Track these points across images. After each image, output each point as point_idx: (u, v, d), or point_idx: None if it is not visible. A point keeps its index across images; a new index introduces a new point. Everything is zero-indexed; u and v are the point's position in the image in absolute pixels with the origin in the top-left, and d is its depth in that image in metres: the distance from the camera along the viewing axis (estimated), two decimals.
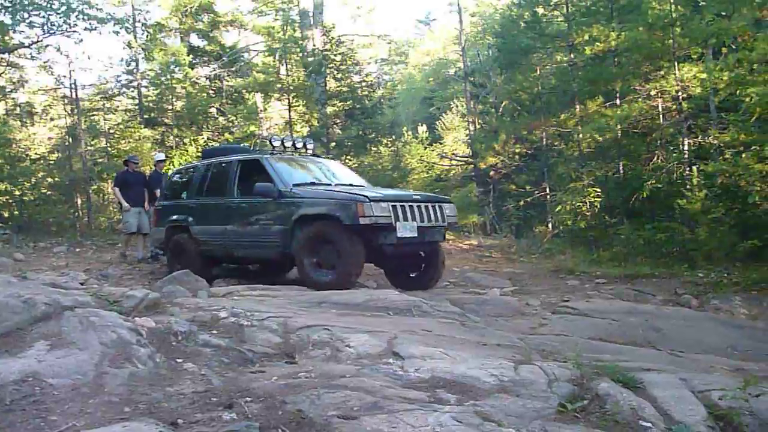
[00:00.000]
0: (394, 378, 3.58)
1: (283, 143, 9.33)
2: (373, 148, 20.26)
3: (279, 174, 8.41)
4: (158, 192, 11.25)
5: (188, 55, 20.03)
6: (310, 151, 9.69)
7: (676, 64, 12.20)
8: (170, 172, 11.15)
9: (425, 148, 26.11)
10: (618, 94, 14.41)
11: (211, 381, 3.38)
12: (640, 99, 13.11)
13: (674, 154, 12.61)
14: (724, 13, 11.40)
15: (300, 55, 19.28)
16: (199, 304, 5.09)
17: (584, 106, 14.59)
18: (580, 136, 14.44)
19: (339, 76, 19.87)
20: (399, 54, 42.75)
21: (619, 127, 13.24)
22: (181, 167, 11.27)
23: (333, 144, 18.95)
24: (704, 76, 11.36)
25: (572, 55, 15.91)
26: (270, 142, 9.34)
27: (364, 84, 20.80)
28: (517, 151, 18.20)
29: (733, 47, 11.71)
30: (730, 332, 7.32)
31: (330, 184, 8.59)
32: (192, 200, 9.44)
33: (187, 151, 17.50)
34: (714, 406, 3.36)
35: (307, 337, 4.33)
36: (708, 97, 12.89)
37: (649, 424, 3.20)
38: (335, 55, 19.39)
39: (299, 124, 20.04)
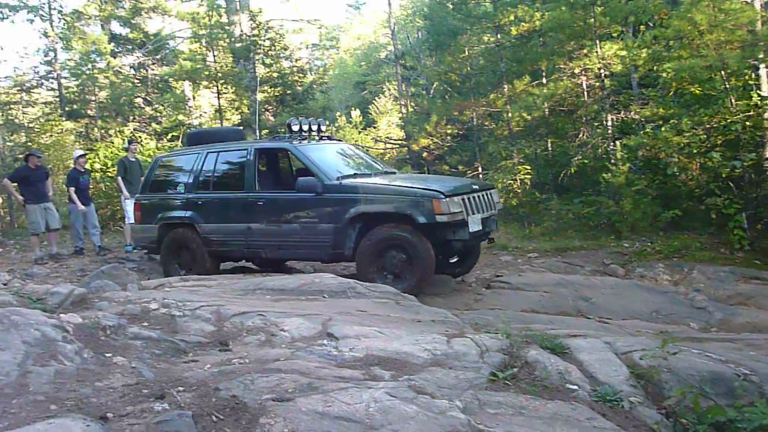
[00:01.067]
0: (329, 358, 3.60)
1: (301, 127, 8.23)
2: None
3: (318, 165, 7.52)
4: (72, 190, 10.78)
5: (110, 44, 19.28)
6: (323, 134, 8.67)
7: (597, 42, 12.54)
8: (153, 160, 9.50)
9: (359, 132, 26.08)
10: (544, 73, 14.72)
11: (142, 373, 3.32)
12: (565, 77, 13.42)
13: (599, 130, 13.00)
14: None
15: (227, 41, 18.87)
16: (128, 298, 4.97)
17: (512, 85, 14.83)
18: (509, 115, 14.70)
19: (268, 61, 19.56)
20: (330, 39, 42.44)
21: (546, 105, 13.54)
22: (165, 155, 9.50)
23: (265, 131, 18.70)
24: (624, 53, 11.73)
25: (499, 36, 16.14)
26: (289, 126, 8.23)
27: (294, 69, 20.56)
28: (448, 132, 18.37)
29: (650, 25, 12.13)
30: (654, 298, 7.67)
31: (372, 174, 7.85)
32: (196, 194, 8.31)
33: (113, 143, 16.93)
34: (636, 366, 3.53)
35: (240, 324, 4.30)
36: (629, 74, 13.34)
37: (575, 387, 3.34)
38: (263, 41, 19.09)
39: (229, 111, 19.68)
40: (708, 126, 9.75)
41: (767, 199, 9.00)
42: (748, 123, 9.48)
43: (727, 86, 9.75)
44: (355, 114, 27.16)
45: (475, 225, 6.98)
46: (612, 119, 12.73)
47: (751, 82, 9.75)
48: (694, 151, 9.54)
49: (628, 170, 10.73)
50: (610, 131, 12.49)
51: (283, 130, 18.15)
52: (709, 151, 9.46)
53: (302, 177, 7.44)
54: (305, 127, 8.26)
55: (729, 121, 9.52)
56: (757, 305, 7.47)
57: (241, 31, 19.16)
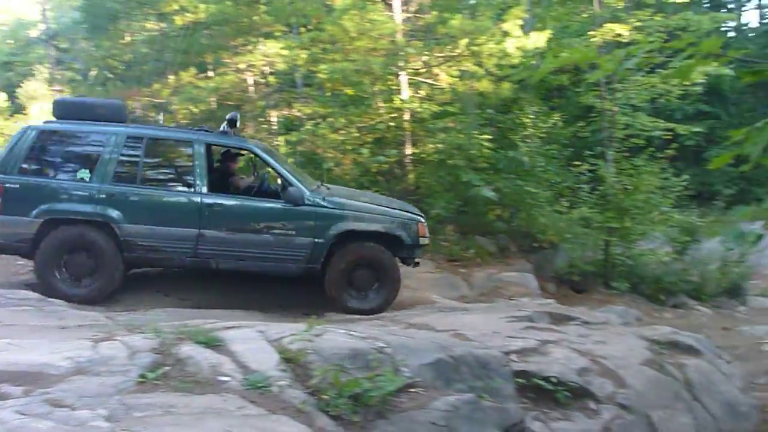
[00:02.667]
0: None
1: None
2: None
3: (292, 174, 6.99)
4: None
5: None
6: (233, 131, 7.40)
7: (262, 40, 12.85)
8: (23, 129, 6.83)
9: (6, 119, 22.94)
10: (210, 66, 14.63)
11: None
12: (231, 72, 13.49)
13: (264, 126, 13.37)
14: None
15: None
16: None
17: (178, 76, 14.43)
18: (175, 106, 14.28)
19: None
20: None
21: (212, 98, 13.46)
22: (48, 126, 6.92)
23: None
24: (287, 53, 12.21)
25: (164, 25, 15.58)
26: (234, 121, 7.05)
27: None
28: None
29: (310, 28, 12.85)
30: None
31: (322, 186, 7.38)
32: (114, 187, 6.56)
33: None
34: (286, 351, 3.69)
35: None
36: (293, 73, 13.95)
37: (227, 378, 3.37)
38: None
39: None
40: (359, 125, 10.70)
41: (407, 192, 10.18)
42: (391, 123, 10.64)
43: (375, 90, 10.81)
44: (1, 98, 23.87)
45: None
46: (277, 116, 13.20)
47: (394, 87, 10.93)
48: (348, 147, 10.38)
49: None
50: (275, 127, 12.93)
51: None
52: (360, 147, 10.38)
53: (292, 188, 6.73)
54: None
55: (376, 121, 10.58)
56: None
57: None
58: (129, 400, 3.02)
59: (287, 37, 13.35)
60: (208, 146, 6.97)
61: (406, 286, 7.45)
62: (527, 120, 10.85)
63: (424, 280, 8.35)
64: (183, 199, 6.79)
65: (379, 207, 7.21)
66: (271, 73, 13.19)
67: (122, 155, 6.64)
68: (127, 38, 16.47)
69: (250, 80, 13.74)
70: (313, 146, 10.71)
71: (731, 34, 25.76)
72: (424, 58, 10.49)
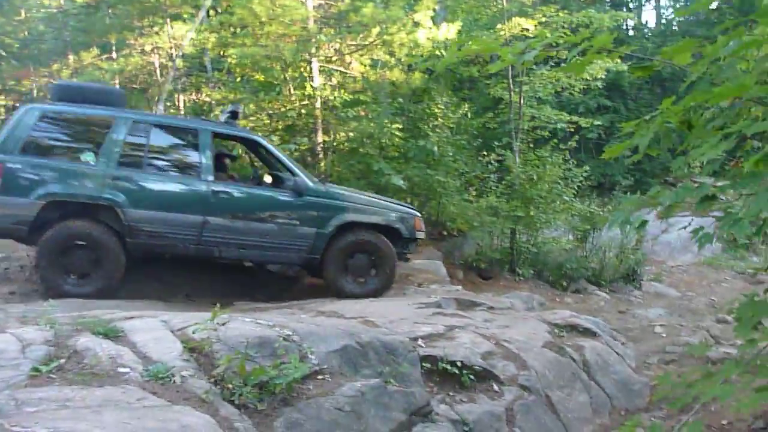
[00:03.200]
0: None
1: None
2: None
3: (296, 165, 7.17)
4: None
5: None
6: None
7: (168, 21, 12.43)
8: (26, 110, 6.38)
9: None
10: (114, 47, 14.03)
11: None
12: (136, 54, 13.00)
13: (172, 110, 12.96)
14: None
15: None
16: None
17: (79, 56, 13.77)
18: None
19: None
20: None
21: (116, 81, 12.92)
22: (51, 107, 6.49)
23: None
24: (194, 35, 11.88)
25: (63, 2, 14.80)
26: (236, 113, 7.35)
27: None
28: (2, 103, 16.23)
29: (219, 10, 12.54)
30: (226, 275, 8.01)
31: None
32: (119, 171, 6.32)
33: None
34: (189, 341, 3.61)
35: None
36: (202, 57, 13.60)
37: (127, 369, 3.26)
38: None
39: None
40: (270, 112, 10.55)
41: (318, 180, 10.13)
42: (303, 111, 10.52)
43: (286, 76, 10.67)
44: None
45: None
46: (185, 100, 12.82)
47: (305, 74, 10.83)
48: (258, 134, 10.19)
49: None
50: (183, 112, 12.56)
51: None
52: (270, 134, 10.23)
53: (299, 177, 6.92)
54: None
55: (288, 108, 10.45)
56: None
57: None
58: (20, 394, 2.87)
59: (195, 19, 13.00)
60: (214, 135, 6.97)
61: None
62: (437, 110, 11.00)
63: None
64: (189, 186, 6.64)
65: (379, 201, 7.49)
66: (179, 56, 12.78)
67: (128, 140, 6.51)
68: (23, 15, 15.52)
69: (157, 63, 13.27)
70: None
71: (631, 32, 27.03)
72: (336, 45, 10.46)
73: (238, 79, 11.99)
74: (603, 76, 13.20)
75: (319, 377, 3.67)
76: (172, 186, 6.66)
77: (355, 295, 6.79)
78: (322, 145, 10.41)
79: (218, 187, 6.63)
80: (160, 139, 6.84)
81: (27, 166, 6.14)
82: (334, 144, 10.53)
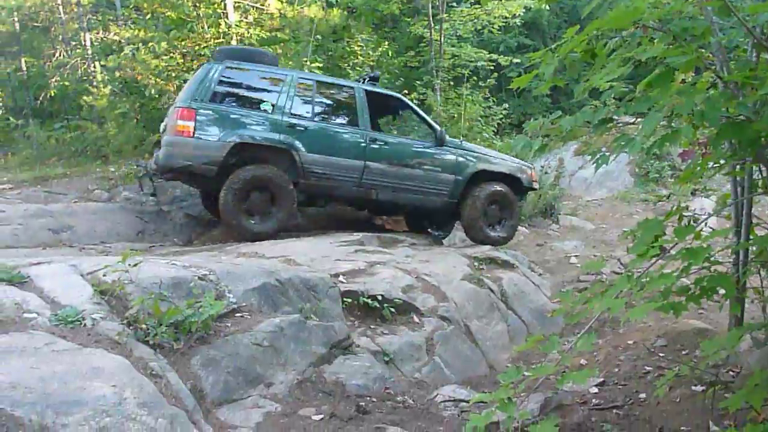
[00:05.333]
0: None
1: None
2: None
3: (432, 120, 8.09)
4: None
5: None
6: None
7: None
8: (207, 69, 6.94)
9: None
10: None
11: None
12: None
13: (78, 50, 12.26)
14: None
15: None
16: None
17: None
18: None
19: None
20: None
21: (15, 18, 12.07)
22: (228, 65, 7.05)
23: None
24: None
25: None
26: (375, 78, 8.40)
27: None
28: None
29: None
30: (139, 220, 7.80)
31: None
32: (292, 119, 7.04)
33: None
34: (100, 284, 3.51)
35: None
36: None
37: (34, 315, 3.16)
38: None
39: None
40: (183, 50, 10.12)
41: None
42: (217, 48, 10.11)
43: (199, 13, 10.22)
44: None
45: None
46: (91, 39, 12.13)
47: (219, 11, 10.41)
48: (172, 74, 9.81)
49: (110, 93, 10.45)
50: (90, 52, 11.90)
51: None
52: (185, 74, 9.84)
53: (441, 129, 7.80)
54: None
55: (202, 47, 10.05)
56: None
57: None
58: None
59: None
60: (366, 92, 7.64)
61: None
62: (357, 48, 10.84)
63: None
64: (351, 134, 7.33)
65: (500, 154, 8.33)
66: None
67: (297, 94, 7.22)
68: None
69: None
70: (134, 73, 10.01)
71: None
72: None
73: (149, 17, 11.40)
74: (521, 13, 13.26)
75: (238, 315, 3.66)
76: (338, 133, 7.35)
77: (490, 241, 7.53)
78: None
79: (375, 136, 7.43)
80: (323, 94, 7.60)
81: (216, 113, 6.74)
82: None
